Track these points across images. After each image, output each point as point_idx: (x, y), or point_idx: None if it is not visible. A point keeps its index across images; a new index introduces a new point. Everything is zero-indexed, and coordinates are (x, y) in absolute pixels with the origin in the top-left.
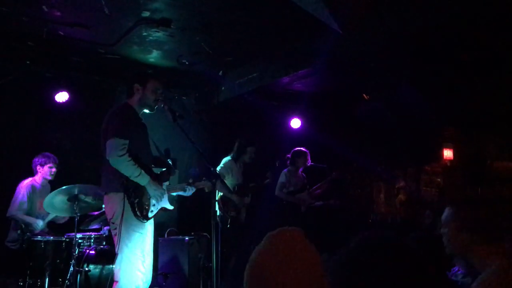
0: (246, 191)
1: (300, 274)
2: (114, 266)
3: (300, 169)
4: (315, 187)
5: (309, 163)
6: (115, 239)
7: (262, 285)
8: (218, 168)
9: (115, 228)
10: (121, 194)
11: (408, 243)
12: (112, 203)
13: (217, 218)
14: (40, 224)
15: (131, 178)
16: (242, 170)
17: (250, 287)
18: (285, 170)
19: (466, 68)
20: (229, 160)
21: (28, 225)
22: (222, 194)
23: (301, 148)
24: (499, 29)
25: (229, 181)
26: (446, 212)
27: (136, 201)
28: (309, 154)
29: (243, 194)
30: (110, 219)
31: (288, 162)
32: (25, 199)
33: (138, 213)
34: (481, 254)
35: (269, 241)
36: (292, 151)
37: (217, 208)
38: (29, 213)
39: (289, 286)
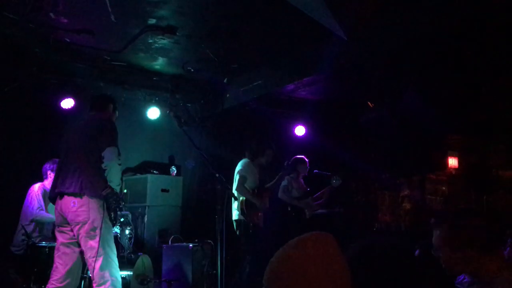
0: (265, 193)
1: (326, 279)
2: (94, 269)
3: (301, 177)
4: (316, 194)
5: (307, 172)
6: (91, 243)
7: (283, 286)
8: (237, 170)
9: (93, 232)
10: (100, 201)
11: (408, 249)
12: (90, 208)
13: (235, 223)
14: None
15: (114, 186)
16: (258, 172)
17: (270, 286)
18: (288, 176)
19: (471, 76)
20: (248, 162)
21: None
22: (245, 198)
23: (302, 156)
24: (506, 36)
25: (249, 184)
26: (435, 235)
27: (116, 208)
28: (308, 163)
29: (262, 197)
30: (85, 223)
31: (288, 169)
32: (41, 198)
33: (113, 219)
34: (482, 266)
35: (298, 243)
36: (293, 158)
37: (237, 212)
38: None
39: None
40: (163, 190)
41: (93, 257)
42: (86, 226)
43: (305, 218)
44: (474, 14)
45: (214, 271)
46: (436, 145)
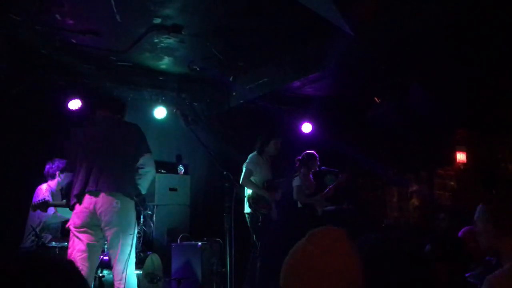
0: (276, 186)
1: (339, 273)
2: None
3: (311, 173)
4: (325, 191)
5: (317, 167)
6: (118, 243)
7: (299, 281)
8: (245, 164)
9: (131, 234)
10: (133, 202)
11: (419, 243)
12: (127, 208)
13: (246, 217)
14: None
15: (143, 191)
16: (270, 164)
17: (287, 282)
18: (299, 173)
19: (479, 70)
20: (255, 155)
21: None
22: (252, 191)
23: (313, 151)
24: None
25: (257, 177)
26: (478, 209)
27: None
28: (318, 158)
29: (273, 189)
30: (121, 223)
31: (298, 164)
32: (50, 196)
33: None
34: (507, 249)
35: (312, 237)
36: (304, 153)
37: (246, 206)
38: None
39: (328, 284)
40: (171, 189)
41: None
42: (120, 226)
43: (317, 215)
44: (482, 7)
45: (223, 269)
46: (444, 140)
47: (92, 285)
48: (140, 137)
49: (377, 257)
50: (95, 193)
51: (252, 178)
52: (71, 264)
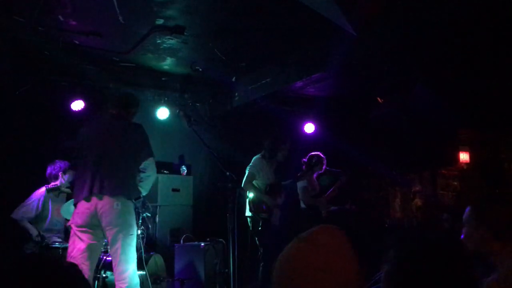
0: (278, 190)
1: (335, 272)
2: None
3: (315, 175)
4: (328, 193)
5: (323, 170)
6: (119, 244)
7: (292, 277)
8: (248, 167)
9: (132, 234)
10: (131, 204)
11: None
12: (127, 209)
13: (248, 220)
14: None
15: (145, 193)
16: (274, 168)
17: (279, 277)
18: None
19: (482, 70)
20: (258, 159)
21: (26, 231)
22: (253, 195)
23: (319, 154)
24: None
25: (260, 180)
26: (467, 210)
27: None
28: (325, 159)
29: (275, 194)
30: (121, 223)
31: (304, 166)
32: (34, 207)
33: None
34: (497, 251)
35: (308, 235)
36: (310, 155)
37: (247, 210)
38: (36, 220)
39: (324, 282)
40: (174, 190)
41: None
42: (118, 227)
43: (321, 217)
44: (485, 7)
45: (226, 270)
46: (447, 139)
47: (95, 285)
48: (144, 141)
49: (417, 258)
50: (99, 196)
51: (254, 182)
52: (74, 266)
